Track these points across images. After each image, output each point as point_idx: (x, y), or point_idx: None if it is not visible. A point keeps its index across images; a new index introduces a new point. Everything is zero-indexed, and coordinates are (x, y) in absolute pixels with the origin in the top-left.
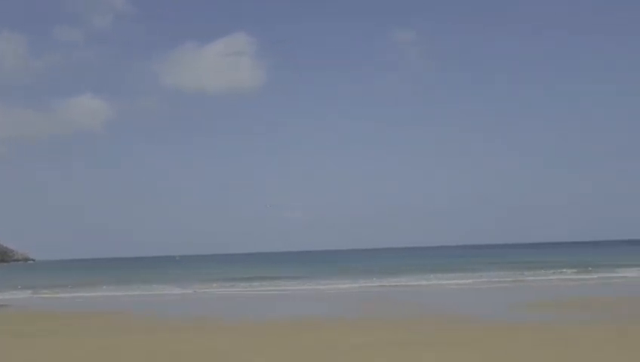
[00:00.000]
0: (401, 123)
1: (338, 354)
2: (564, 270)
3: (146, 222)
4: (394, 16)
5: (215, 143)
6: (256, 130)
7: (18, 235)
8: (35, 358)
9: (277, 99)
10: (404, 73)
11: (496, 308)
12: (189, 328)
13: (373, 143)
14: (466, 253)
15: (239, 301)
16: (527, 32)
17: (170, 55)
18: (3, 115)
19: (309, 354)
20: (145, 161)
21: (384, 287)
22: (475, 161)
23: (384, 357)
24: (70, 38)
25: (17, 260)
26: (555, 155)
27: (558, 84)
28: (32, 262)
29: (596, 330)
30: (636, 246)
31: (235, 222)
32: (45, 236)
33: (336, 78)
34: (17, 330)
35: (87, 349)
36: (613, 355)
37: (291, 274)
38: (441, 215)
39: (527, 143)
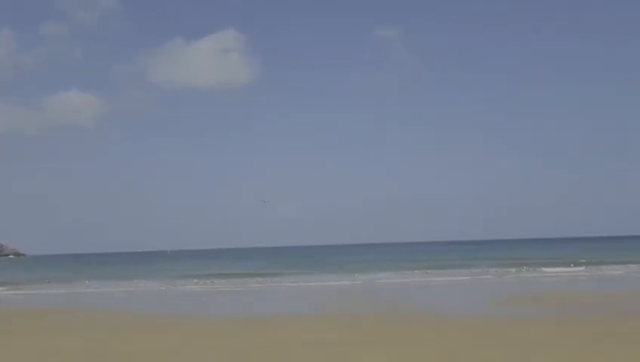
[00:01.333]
0: (390, 119)
1: (286, 353)
2: (547, 267)
3: (138, 218)
4: (379, 12)
5: (204, 139)
6: (246, 126)
7: (10, 231)
8: None
9: (266, 95)
10: (390, 70)
11: (468, 305)
12: (141, 326)
13: (362, 139)
14: (458, 248)
15: (208, 297)
16: (511, 30)
17: (159, 51)
18: None
19: (255, 353)
20: (136, 156)
21: (364, 283)
22: (466, 157)
23: (329, 357)
24: (58, 35)
25: (6, 255)
26: (544, 152)
27: (548, 82)
28: (22, 256)
29: (540, 326)
30: (631, 241)
31: (226, 217)
32: (37, 231)
33: (324, 74)
34: None
35: (15, 350)
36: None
37: (274, 271)
38: (433, 211)
39: (516, 140)
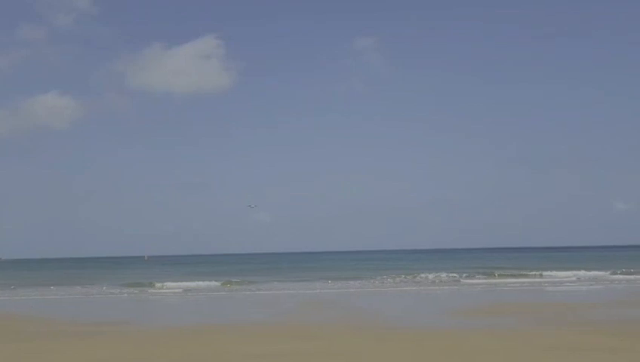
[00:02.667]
0: (367, 127)
1: None
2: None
3: (115, 222)
4: (357, 21)
5: (181, 144)
6: (224, 132)
7: None
8: None
9: (244, 101)
10: (367, 77)
11: (424, 314)
12: (70, 333)
13: (339, 145)
14: (435, 256)
15: (163, 304)
16: (491, 34)
17: (138, 56)
18: None
19: None
20: (113, 161)
21: (331, 291)
22: (443, 163)
23: None
24: (34, 37)
25: None
26: (521, 158)
27: (526, 85)
28: None
29: (490, 336)
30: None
31: (206, 223)
32: (14, 235)
33: (302, 81)
34: None
35: None
36: None
37: (243, 277)
38: (411, 218)
39: (496, 145)
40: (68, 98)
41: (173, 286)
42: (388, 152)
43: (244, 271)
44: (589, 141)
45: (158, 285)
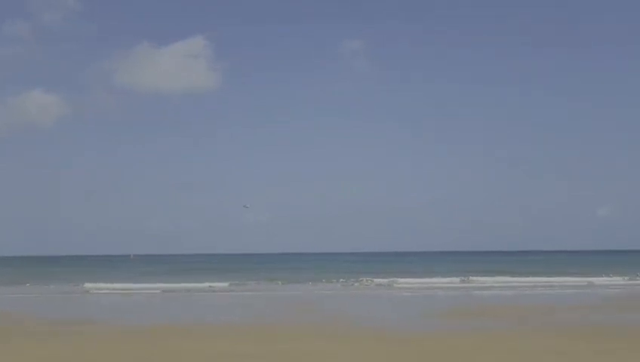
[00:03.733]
0: (355, 128)
1: None
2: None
3: (102, 220)
4: (344, 24)
5: (168, 142)
6: (210, 131)
7: None
8: None
9: (231, 101)
10: (354, 80)
11: (399, 317)
12: (24, 332)
13: (327, 146)
14: (427, 258)
15: (134, 303)
16: (471, 38)
17: (125, 55)
18: None
19: None
20: (100, 158)
21: (307, 293)
22: (433, 167)
23: None
24: (21, 34)
25: None
26: (506, 162)
27: (510, 90)
28: None
29: (459, 339)
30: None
31: (194, 222)
32: (1, 232)
33: (289, 82)
34: None
35: None
36: None
37: (227, 277)
38: (402, 219)
39: (482, 149)
40: (54, 95)
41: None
42: (376, 154)
43: (227, 272)
44: (575, 147)
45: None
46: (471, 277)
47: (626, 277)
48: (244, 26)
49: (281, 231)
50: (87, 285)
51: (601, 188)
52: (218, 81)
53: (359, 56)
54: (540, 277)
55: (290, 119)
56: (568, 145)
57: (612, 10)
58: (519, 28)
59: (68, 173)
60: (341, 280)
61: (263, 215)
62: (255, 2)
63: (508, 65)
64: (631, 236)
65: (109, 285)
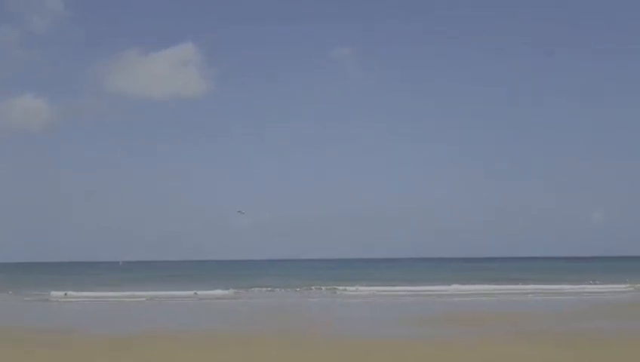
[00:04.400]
0: (345, 133)
1: None
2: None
3: (91, 226)
4: (334, 30)
5: (157, 148)
6: (198, 137)
7: None
8: None
9: (221, 107)
10: (344, 85)
11: (359, 324)
12: None
13: (316, 151)
14: (409, 264)
15: (97, 310)
16: (458, 42)
17: (115, 61)
18: None
19: None
20: (89, 164)
21: (283, 300)
22: (421, 171)
23: None
24: (9, 39)
25: None
26: (493, 164)
27: (494, 92)
28: None
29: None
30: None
31: (183, 228)
32: None
33: (278, 88)
34: None
35: None
36: None
37: (204, 285)
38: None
39: (469, 153)
40: (43, 101)
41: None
42: (365, 159)
43: (214, 278)
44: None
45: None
46: (454, 285)
47: (624, 285)
48: (236, 29)
49: (272, 236)
50: (54, 293)
51: (594, 193)
52: (208, 87)
53: (350, 60)
54: (510, 284)
55: (280, 124)
56: (559, 148)
57: (611, 10)
58: (513, 31)
59: (57, 178)
60: (314, 287)
61: (253, 219)
62: (248, 5)
63: (502, 66)
64: (624, 242)
65: (79, 293)
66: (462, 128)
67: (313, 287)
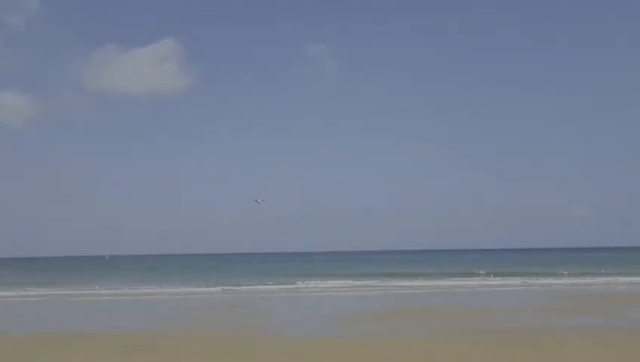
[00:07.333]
0: (319, 129)
1: None
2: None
3: (75, 221)
4: (309, 28)
5: (137, 144)
6: (178, 133)
7: None
8: None
9: (200, 104)
10: (320, 82)
11: (303, 320)
12: None
13: (293, 148)
14: (390, 258)
15: (55, 307)
16: (441, 40)
17: (94, 57)
18: None
19: None
20: (69, 160)
21: (241, 294)
22: (400, 168)
23: None
24: None
25: None
26: (474, 158)
27: (475, 89)
28: None
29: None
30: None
31: (168, 223)
32: None
33: (256, 85)
34: None
35: None
36: None
37: (177, 279)
38: (369, 220)
39: (450, 150)
40: (23, 98)
41: None
42: (344, 158)
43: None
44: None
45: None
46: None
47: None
48: (215, 28)
49: (255, 231)
50: None
51: (578, 188)
52: (188, 84)
53: (326, 58)
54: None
55: (261, 120)
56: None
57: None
58: (489, 28)
59: (37, 174)
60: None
61: (235, 216)
62: (226, 4)
63: (484, 62)
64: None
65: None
66: (439, 123)
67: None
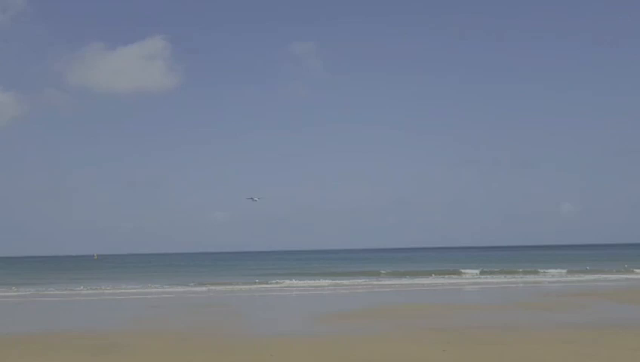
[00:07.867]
0: (303, 127)
1: None
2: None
3: (63, 221)
4: (295, 27)
5: (123, 142)
6: (164, 132)
7: None
8: None
9: (188, 101)
10: (305, 80)
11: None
12: None
13: (279, 146)
14: (372, 255)
15: (34, 307)
16: (429, 38)
17: (80, 55)
18: None
19: None
20: (54, 157)
21: (216, 292)
22: (390, 165)
23: None
24: None
25: None
26: (461, 157)
27: (462, 86)
28: None
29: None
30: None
31: (156, 222)
32: None
33: (242, 84)
34: None
35: None
36: None
37: (159, 278)
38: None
39: (436, 144)
40: (9, 95)
41: None
42: (332, 156)
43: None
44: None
45: None
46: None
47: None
48: (204, 27)
49: (242, 230)
50: None
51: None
52: (174, 82)
53: (311, 58)
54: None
55: (247, 120)
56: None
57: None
58: (476, 24)
59: (21, 172)
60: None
61: (225, 214)
62: (217, 4)
63: (473, 57)
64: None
65: None
66: (426, 121)
67: (257, 280)
